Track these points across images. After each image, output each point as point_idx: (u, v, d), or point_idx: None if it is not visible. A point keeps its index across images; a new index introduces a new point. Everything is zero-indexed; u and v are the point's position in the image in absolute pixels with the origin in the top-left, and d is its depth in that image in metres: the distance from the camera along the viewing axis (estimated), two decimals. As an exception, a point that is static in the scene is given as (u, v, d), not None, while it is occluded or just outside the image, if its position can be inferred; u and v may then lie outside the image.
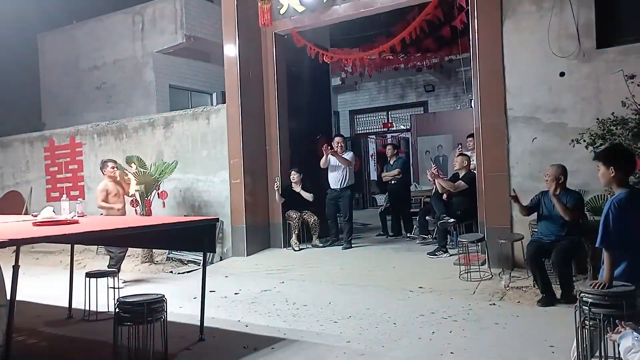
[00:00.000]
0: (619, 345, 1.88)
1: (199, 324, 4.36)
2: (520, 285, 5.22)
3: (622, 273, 3.00)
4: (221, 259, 7.80)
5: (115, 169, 6.88)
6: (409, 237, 8.41)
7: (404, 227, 8.60)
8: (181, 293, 5.93)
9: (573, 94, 5.57)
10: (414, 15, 8.01)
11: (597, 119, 5.18)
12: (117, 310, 3.70)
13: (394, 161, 8.64)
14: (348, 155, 8.11)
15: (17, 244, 3.10)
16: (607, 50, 5.46)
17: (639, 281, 2.94)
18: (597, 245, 3.02)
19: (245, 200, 7.79)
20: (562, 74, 5.61)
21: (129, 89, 11.65)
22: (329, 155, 8.02)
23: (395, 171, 8.46)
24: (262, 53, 8.27)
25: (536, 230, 5.17)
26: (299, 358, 3.82)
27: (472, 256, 6.01)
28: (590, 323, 2.89)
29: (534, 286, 4.95)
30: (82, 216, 5.14)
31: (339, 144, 8.09)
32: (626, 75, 5.05)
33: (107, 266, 6.37)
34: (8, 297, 2.94)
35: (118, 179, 6.93)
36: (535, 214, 5.09)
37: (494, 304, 4.90)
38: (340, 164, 8.00)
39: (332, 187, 8.13)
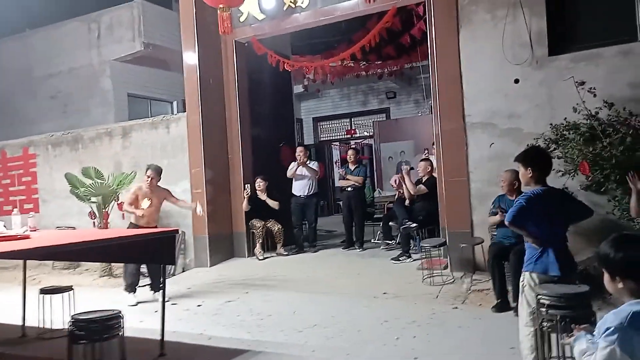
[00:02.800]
0: (572, 348, 1.92)
1: (159, 338, 4.24)
2: (481, 288, 5.31)
3: (540, 262, 3.19)
4: (183, 270, 7.64)
5: (153, 179, 6.19)
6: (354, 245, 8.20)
7: (355, 235, 8.19)
8: (142, 307, 5.77)
9: (527, 100, 5.72)
10: (374, 23, 8.11)
11: (551, 124, 5.32)
12: (71, 328, 3.56)
13: (355, 167, 8.30)
14: (314, 165, 8.19)
15: (-39, 262, 2.94)
16: (558, 58, 5.64)
17: (558, 270, 3.14)
18: (505, 220, 3.34)
19: (207, 209, 7.65)
20: (516, 81, 5.76)
21: (85, 98, 11.31)
22: (293, 165, 8.04)
23: (360, 178, 8.19)
24: (222, 61, 8.19)
25: (495, 234, 5.27)
26: (263, 370, 3.77)
27: (435, 260, 6.09)
28: (548, 324, 2.95)
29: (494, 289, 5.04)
30: (35, 230, 4.95)
31: (302, 154, 8.08)
32: (577, 82, 5.21)
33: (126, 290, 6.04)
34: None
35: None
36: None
37: (456, 308, 4.96)
38: (307, 173, 8.00)
39: (297, 195, 8.13)
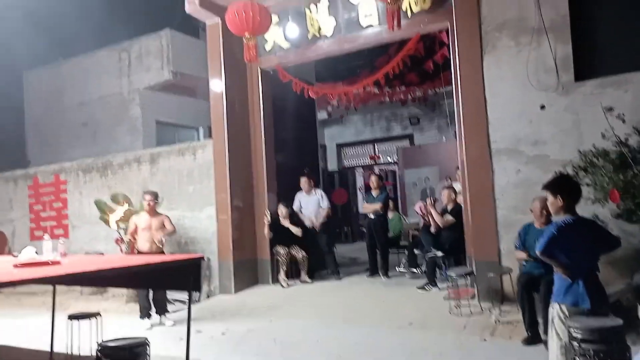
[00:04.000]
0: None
1: (184, 366, 4.23)
2: (511, 319, 5.17)
3: (570, 294, 3.13)
4: (208, 297, 7.66)
5: (151, 202, 6.45)
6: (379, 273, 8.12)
7: (379, 263, 8.10)
8: (166, 334, 5.80)
9: (553, 126, 5.65)
10: (397, 50, 8.17)
11: (579, 150, 5.23)
12: (98, 354, 3.59)
13: (378, 194, 8.25)
14: (324, 204, 8.27)
15: (-6, 289, 3.01)
16: (585, 83, 5.58)
17: (589, 302, 3.08)
18: (537, 250, 3.27)
19: (233, 236, 7.72)
20: (542, 107, 5.71)
21: (114, 125, 11.63)
22: (299, 197, 8.28)
23: (378, 206, 8.10)
24: (247, 88, 8.34)
25: (524, 263, 5.14)
26: (287, 401, 3.72)
27: (462, 290, 5.97)
28: (581, 359, 2.86)
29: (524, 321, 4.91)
30: (65, 256, 5.03)
31: (306, 184, 8.23)
32: (604, 108, 5.15)
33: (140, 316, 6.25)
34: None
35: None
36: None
37: (485, 340, 4.84)
38: (311, 205, 8.23)
39: (307, 224, 8.23)
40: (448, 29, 6.73)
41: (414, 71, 10.16)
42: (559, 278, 3.20)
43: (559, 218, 3.29)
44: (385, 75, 7.58)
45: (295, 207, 8.31)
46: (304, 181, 8.32)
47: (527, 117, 5.79)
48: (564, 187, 3.33)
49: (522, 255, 4.91)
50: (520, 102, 5.83)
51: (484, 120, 6.01)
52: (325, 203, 8.30)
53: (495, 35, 6.04)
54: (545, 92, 5.71)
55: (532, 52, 5.80)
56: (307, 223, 8.22)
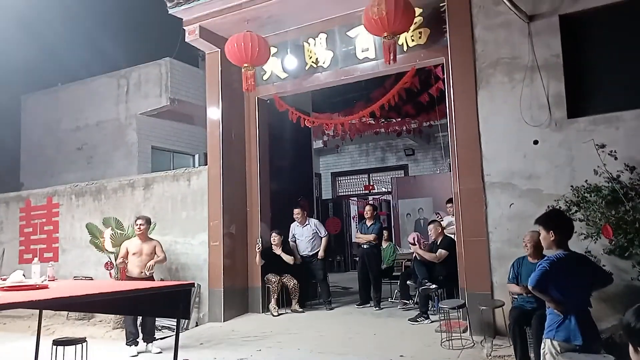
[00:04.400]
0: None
1: (169, 396, 4.14)
2: (502, 354, 5.10)
3: (562, 329, 3.12)
4: (197, 324, 7.55)
5: (142, 226, 6.46)
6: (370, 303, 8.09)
7: (372, 293, 8.06)
8: (153, 362, 5.69)
9: (547, 161, 5.70)
10: (393, 82, 8.29)
11: (572, 186, 5.28)
12: (82, 383, 3.51)
13: (371, 224, 8.29)
14: (322, 232, 8.32)
15: (-21, 312, 2.96)
16: (577, 120, 5.65)
17: (581, 338, 3.07)
18: (529, 285, 3.25)
19: (224, 263, 7.65)
20: (535, 142, 5.77)
21: (110, 150, 11.65)
22: (293, 228, 8.33)
23: (371, 237, 8.13)
24: (244, 116, 8.41)
25: (516, 297, 5.12)
26: None
27: (454, 322, 5.92)
28: (574, 396, 2.82)
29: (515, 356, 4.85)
30: (53, 280, 4.96)
31: (299, 214, 8.26)
32: (597, 145, 5.21)
33: (127, 343, 6.18)
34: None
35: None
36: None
37: (476, 374, 4.77)
38: (306, 234, 8.26)
39: (302, 254, 8.21)
40: (443, 64, 6.84)
41: (410, 103, 10.28)
42: (551, 313, 3.18)
43: (551, 253, 3.29)
44: (381, 106, 7.67)
45: (290, 238, 8.31)
46: (297, 212, 8.32)
47: (521, 151, 5.84)
48: (556, 222, 3.35)
49: (516, 289, 4.89)
50: (514, 137, 5.89)
51: (477, 154, 6.06)
52: (323, 231, 8.31)
53: (489, 71, 6.14)
54: (538, 127, 5.77)
55: (526, 88, 5.89)
56: (303, 253, 8.19)
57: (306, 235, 8.26)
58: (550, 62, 5.80)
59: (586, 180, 5.19)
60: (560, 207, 5.14)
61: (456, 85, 6.36)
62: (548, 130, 5.73)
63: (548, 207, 5.26)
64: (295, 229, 8.36)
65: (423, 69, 7.64)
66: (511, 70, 6.00)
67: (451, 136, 6.51)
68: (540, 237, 3.38)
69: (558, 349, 3.06)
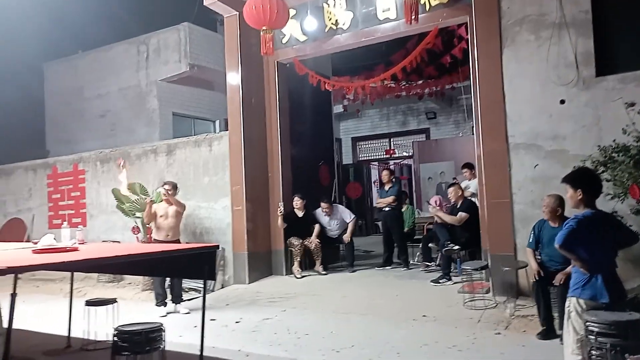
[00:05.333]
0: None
1: (199, 353, 4.28)
2: (526, 314, 5.13)
3: (588, 288, 3.11)
4: (222, 287, 7.73)
5: (168, 190, 6.55)
6: (396, 262, 8.28)
7: (397, 255, 8.29)
8: (181, 321, 5.87)
9: (573, 121, 5.59)
10: (414, 44, 8.13)
11: (599, 146, 5.17)
12: (114, 339, 3.64)
13: (390, 187, 8.35)
14: (348, 218, 8.29)
15: (14, 271, 3.08)
16: (606, 78, 5.49)
17: (608, 296, 3.06)
18: (556, 244, 3.19)
19: (247, 227, 7.76)
20: (562, 102, 5.64)
21: (132, 117, 11.75)
22: (319, 214, 8.30)
23: (390, 199, 8.20)
24: (264, 81, 8.37)
25: (540, 257, 5.09)
26: (300, 389, 3.75)
27: (476, 284, 5.96)
28: (597, 353, 2.83)
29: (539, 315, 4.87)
30: (83, 243, 5.11)
31: (328, 208, 8.23)
32: (626, 103, 5.07)
33: (156, 304, 6.36)
34: (5, 326, 2.90)
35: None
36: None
37: (499, 333, 4.82)
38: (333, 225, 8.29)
39: (328, 235, 8.29)
40: (467, 23, 6.67)
41: (432, 65, 10.10)
42: (577, 272, 3.17)
43: (578, 212, 3.25)
44: (402, 69, 7.55)
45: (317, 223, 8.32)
46: (325, 206, 8.25)
47: (547, 111, 5.72)
48: (584, 180, 3.28)
49: (533, 263, 4.79)
50: (540, 97, 5.77)
51: (502, 115, 5.96)
52: (349, 216, 8.33)
53: (515, 29, 5.97)
54: (565, 87, 5.63)
55: (553, 46, 5.72)
56: (330, 235, 8.29)
57: (332, 225, 8.31)
58: (579, 18, 5.61)
59: (614, 140, 5.07)
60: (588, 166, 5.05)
61: (480, 44, 6.20)
62: (575, 89, 5.59)
63: (574, 167, 5.17)
64: (321, 217, 8.35)
65: (446, 29, 7.47)
66: (538, 27, 5.82)
67: (474, 98, 6.40)
68: (567, 196, 3.32)
69: (584, 306, 3.06)
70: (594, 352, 2.86)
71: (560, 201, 4.70)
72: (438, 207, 7.26)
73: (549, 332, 4.60)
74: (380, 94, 11.80)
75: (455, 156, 11.61)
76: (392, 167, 15.38)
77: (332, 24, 7.65)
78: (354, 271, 8.08)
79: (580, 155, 5.29)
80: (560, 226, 4.61)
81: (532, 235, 4.96)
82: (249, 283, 7.64)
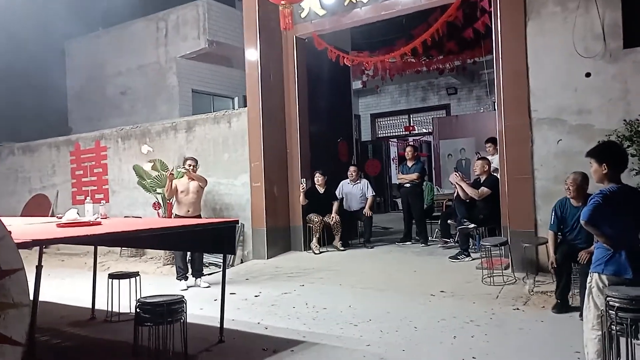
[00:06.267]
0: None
1: (218, 325, 4.37)
2: (545, 290, 5.10)
3: (611, 264, 3.06)
4: (242, 262, 7.83)
5: (192, 166, 6.64)
6: (415, 238, 8.32)
7: (416, 232, 8.32)
8: (201, 295, 5.98)
9: (599, 95, 5.45)
10: (436, 17, 7.95)
11: (625, 120, 5.05)
12: (137, 310, 3.73)
13: (413, 164, 8.33)
14: (369, 192, 8.38)
15: (40, 244, 3.16)
16: (634, 50, 5.33)
17: (631, 272, 3.01)
18: (581, 219, 3.13)
19: (266, 203, 7.81)
20: (587, 75, 5.49)
21: (152, 94, 11.82)
22: (343, 186, 8.39)
23: (414, 175, 8.18)
24: (283, 57, 8.31)
25: (560, 235, 4.99)
26: (318, 361, 3.80)
27: (495, 260, 5.92)
28: (617, 328, 2.81)
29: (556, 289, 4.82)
30: (105, 218, 5.21)
31: (354, 172, 8.40)
32: (655, 76, 4.92)
33: (177, 278, 6.48)
34: (31, 298, 2.99)
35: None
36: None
37: (517, 309, 4.80)
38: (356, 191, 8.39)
39: (351, 210, 8.37)
40: (490, -6, 6.49)
41: (453, 40, 9.89)
42: (600, 247, 3.12)
43: (603, 186, 3.19)
44: (422, 43, 7.41)
45: (339, 195, 8.34)
46: (353, 169, 8.40)
47: (572, 85, 5.59)
48: (610, 154, 3.20)
49: (551, 253, 4.69)
50: (565, 70, 5.63)
51: (525, 89, 5.84)
52: (370, 192, 8.37)
53: (540, 1, 5.80)
54: (592, 59, 5.48)
55: (579, 18, 5.56)
56: (353, 209, 8.35)
57: (355, 193, 8.36)
58: (607, -13, 5.42)
59: (641, 114, 4.94)
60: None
61: (504, 17, 6.05)
62: (602, 62, 5.44)
63: (599, 142, 5.06)
64: (345, 186, 8.41)
65: (468, 1, 7.28)
66: (564, -2, 5.64)
67: (497, 72, 6.26)
68: (591, 170, 3.25)
69: (606, 282, 3.02)
70: (614, 327, 2.83)
71: (586, 178, 4.59)
72: (458, 177, 7.11)
73: (563, 305, 4.60)
74: (400, 70, 11.63)
75: (476, 132, 11.44)
76: (414, 143, 15.27)
77: (351, -3, 7.52)
78: (372, 247, 8.11)
79: (606, 129, 5.18)
80: (582, 205, 4.52)
81: (553, 216, 4.81)
82: (268, 258, 7.72)
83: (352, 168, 8.46)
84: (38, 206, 10.53)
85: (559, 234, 4.84)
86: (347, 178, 8.44)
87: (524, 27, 5.86)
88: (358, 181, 8.42)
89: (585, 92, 5.52)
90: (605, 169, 3.13)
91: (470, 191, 6.90)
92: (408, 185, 8.27)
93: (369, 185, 8.50)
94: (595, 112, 5.45)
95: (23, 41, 11.69)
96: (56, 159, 10.71)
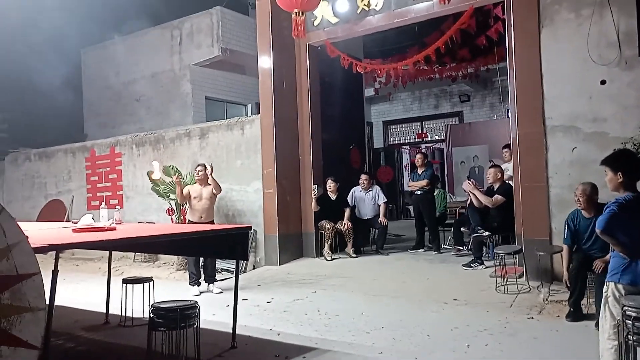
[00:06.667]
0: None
1: (231, 331, 4.38)
2: (560, 299, 5.04)
3: (627, 273, 3.04)
4: (254, 268, 7.84)
5: (201, 172, 6.70)
6: (428, 246, 8.30)
7: (429, 239, 8.32)
8: (214, 300, 6.00)
9: (614, 102, 5.41)
10: (449, 25, 7.95)
11: (640, 128, 5.01)
12: (151, 315, 3.75)
13: (423, 171, 8.32)
14: (381, 199, 8.36)
15: (56, 249, 3.20)
16: (651, 58, 5.29)
17: None
18: (597, 228, 3.10)
19: (278, 209, 7.83)
20: (603, 82, 5.46)
21: (166, 101, 11.94)
22: (355, 193, 8.39)
23: (424, 182, 8.17)
24: (295, 64, 8.36)
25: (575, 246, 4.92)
26: (331, 368, 3.79)
27: (509, 269, 5.87)
28: (634, 338, 2.77)
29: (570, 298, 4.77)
30: (120, 224, 5.26)
31: (366, 180, 8.39)
32: (671, 83, 4.88)
33: (190, 283, 6.52)
34: (47, 302, 3.02)
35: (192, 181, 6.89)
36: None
37: (531, 318, 4.76)
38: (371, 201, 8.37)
39: (363, 218, 8.36)
40: (504, 2, 6.48)
41: (466, 47, 9.88)
42: (616, 256, 3.09)
43: (618, 195, 3.16)
44: (435, 51, 7.41)
45: (350, 202, 8.34)
46: (365, 178, 8.40)
47: (587, 93, 5.55)
48: (625, 162, 3.18)
49: (565, 271, 4.69)
50: (580, 78, 5.60)
51: (539, 97, 5.81)
52: (382, 198, 8.36)
53: (554, 8, 5.79)
54: (606, 67, 5.45)
55: (594, 25, 5.54)
56: (365, 217, 8.35)
57: (368, 200, 8.35)
58: (622, -6, 5.38)
59: (657, 122, 4.89)
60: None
61: (517, 24, 6.05)
62: (617, 69, 5.40)
63: (614, 150, 5.02)
64: (357, 193, 8.42)
65: (481, 8, 7.28)
66: (578, 6, 5.63)
67: (511, 79, 6.25)
68: (606, 179, 3.22)
69: (622, 291, 2.99)
70: (630, 337, 2.79)
71: (595, 188, 4.56)
72: (471, 185, 7.10)
73: (577, 314, 4.57)
74: (412, 77, 11.62)
75: (489, 140, 11.39)
76: (424, 151, 15.23)
77: (364, 5, 7.56)
78: (387, 254, 8.08)
79: (621, 137, 5.14)
80: (594, 216, 4.51)
81: (567, 230, 4.77)
82: (280, 265, 7.73)
83: (363, 176, 8.45)
84: (53, 211, 10.65)
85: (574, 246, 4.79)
86: (359, 185, 8.44)
87: (537, 34, 5.85)
88: (370, 189, 8.42)
89: (600, 100, 5.49)
90: (620, 177, 3.11)
91: (483, 199, 6.86)
92: (419, 192, 8.25)
93: (380, 191, 8.50)
94: (610, 120, 5.41)
95: (40, 49, 11.89)
96: (72, 165, 10.84)
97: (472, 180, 7.44)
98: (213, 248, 4.78)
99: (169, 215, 8.38)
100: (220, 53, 11.19)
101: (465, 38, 8.20)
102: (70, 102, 13.36)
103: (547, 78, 5.79)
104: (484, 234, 6.73)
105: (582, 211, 4.66)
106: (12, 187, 11.84)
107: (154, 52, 12.15)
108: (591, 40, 5.52)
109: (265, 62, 8.09)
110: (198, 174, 6.67)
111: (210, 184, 6.71)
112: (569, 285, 4.65)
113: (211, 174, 6.64)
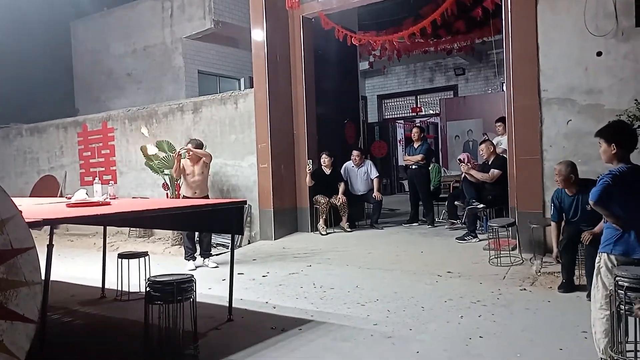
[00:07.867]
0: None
1: (227, 304, 4.41)
2: (552, 270, 5.10)
3: (620, 244, 3.05)
4: (249, 243, 7.88)
5: (187, 150, 6.60)
6: (422, 220, 8.35)
7: (423, 213, 8.37)
8: (210, 275, 6.03)
9: (610, 74, 5.38)
10: (445, -4, 7.83)
11: (636, 100, 4.99)
12: (147, 289, 3.76)
13: (419, 145, 8.30)
14: (373, 173, 8.33)
15: (50, 223, 3.18)
16: (647, 29, 5.24)
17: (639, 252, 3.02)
18: (590, 200, 3.11)
19: (273, 184, 7.82)
20: (599, 54, 5.42)
21: (158, 75, 11.76)
22: (347, 169, 8.37)
23: (419, 157, 8.16)
24: (289, 37, 8.25)
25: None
26: (327, 339, 3.84)
27: (503, 241, 5.92)
28: (626, 307, 2.81)
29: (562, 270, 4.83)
30: (114, 198, 5.24)
31: (358, 157, 8.34)
32: (668, 54, 4.85)
33: (185, 258, 6.53)
34: (43, 276, 3.02)
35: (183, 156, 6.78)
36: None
37: (524, 289, 4.82)
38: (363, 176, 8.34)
39: (356, 194, 8.35)
40: (500, -28, 6.39)
41: (461, 19, 9.76)
42: (609, 227, 3.11)
43: (612, 167, 3.17)
44: (432, 23, 7.31)
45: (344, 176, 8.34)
46: (357, 154, 8.35)
47: (582, 65, 5.52)
48: (619, 134, 3.17)
49: (555, 247, 4.73)
50: (576, 49, 5.56)
51: (535, 69, 5.77)
52: (374, 173, 8.34)
53: (550, -22, 5.70)
54: (603, 38, 5.40)
55: (591, -5, 5.46)
56: (358, 193, 8.34)
57: (360, 176, 8.34)
58: (620, -36, 5.31)
59: (653, 94, 4.88)
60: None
61: (514, -5, 5.95)
62: (613, 40, 5.36)
63: (608, 122, 5.02)
64: (349, 169, 8.39)
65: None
66: (576, -25, 5.53)
67: (506, 51, 6.19)
68: (600, 150, 3.22)
69: (615, 262, 3.02)
70: (622, 307, 2.83)
71: (572, 167, 4.59)
72: (469, 165, 7.14)
73: (569, 284, 4.63)
74: (407, 50, 11.51)
75: (484, 113, 11.37)
76: (420, 125, 15.21)
77: (359, -25, 7.43)
78: (382, 228, 8.11)
79: (617, 109, 5.14)
80: (577, 193, 4.56)
81: (553, 208, 4.82)
82: (275, 239, 7.76)
83: (355, 152, 8.39)
84: (47, 187, 10.59)
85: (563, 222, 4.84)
86: (351, 161, 8.42)
87: (534, 5, 5.77)
88: (362, 164, 8.39)
89: (596, 72, 5.46)
90: (614, 149, 3.11)
91: (481, 177, 6.91)
92: (414, 166, 8.27)
93: (372, 165, 8.48)
94: (605, 92, 5.39)
95: (29, 22, 11.66)
96: (64, 140, 10.73)
97: (466, 156, 7.43)
98: (208, 222, 4.77)
99: (165, 190, 8.36)
100: (213, 26, 10.98)
101: (461, 10, 8.10)
102: (61, 77, 13.17)
103: (543, 50, 5.74)
104: (478, 207, 6.77)
105: (565, 190, 4.69)
106: (4, 163, 11.73)
107: (145, 25, 11.91)
108: (588, 11, 5.46)
109: (259, 34, 7.97)
110: (188, 152, 6.57)
111: (199, 158, 6.64)
112: (559, 260, 4.71)
113: (194, 151, 6.55)
